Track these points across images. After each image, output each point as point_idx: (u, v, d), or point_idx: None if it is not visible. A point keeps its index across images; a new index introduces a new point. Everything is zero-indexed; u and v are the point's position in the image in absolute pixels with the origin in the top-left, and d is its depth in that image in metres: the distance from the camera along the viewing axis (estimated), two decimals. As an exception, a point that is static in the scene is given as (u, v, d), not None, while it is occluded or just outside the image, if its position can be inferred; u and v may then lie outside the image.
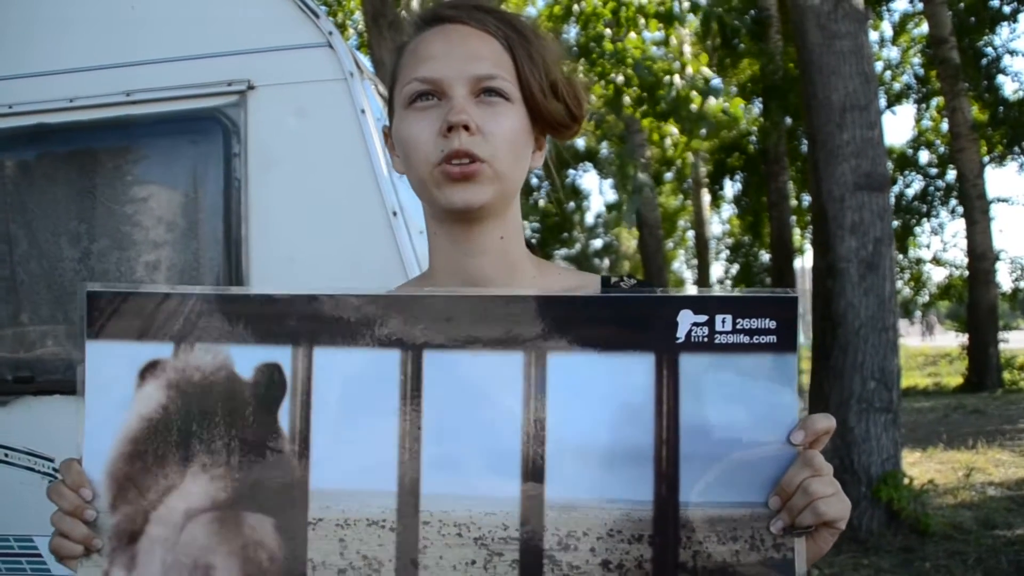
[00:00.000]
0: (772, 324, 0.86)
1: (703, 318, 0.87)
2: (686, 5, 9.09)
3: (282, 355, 0.90)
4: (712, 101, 9.55)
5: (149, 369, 0.92)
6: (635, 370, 0.87)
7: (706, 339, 0.87)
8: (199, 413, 0.91)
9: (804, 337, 9.25)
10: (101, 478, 0.92)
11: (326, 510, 0.89)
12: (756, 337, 0.86)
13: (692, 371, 0.87)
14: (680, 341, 0.87)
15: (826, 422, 0.87)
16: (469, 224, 1.06)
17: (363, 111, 1.99)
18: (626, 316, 0.88)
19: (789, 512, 0.85)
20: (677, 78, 8.57)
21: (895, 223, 15.39)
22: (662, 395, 0.87)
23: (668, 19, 8.03)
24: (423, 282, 1.15)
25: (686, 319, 0.87)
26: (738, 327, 0.87)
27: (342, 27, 11.29)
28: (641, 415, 0.87)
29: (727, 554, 0.86)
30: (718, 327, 0.87)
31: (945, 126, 16.12)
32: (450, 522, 0.88)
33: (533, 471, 0.88)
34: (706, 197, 22.04)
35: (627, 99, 9.39)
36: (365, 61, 4.68)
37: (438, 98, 1.03)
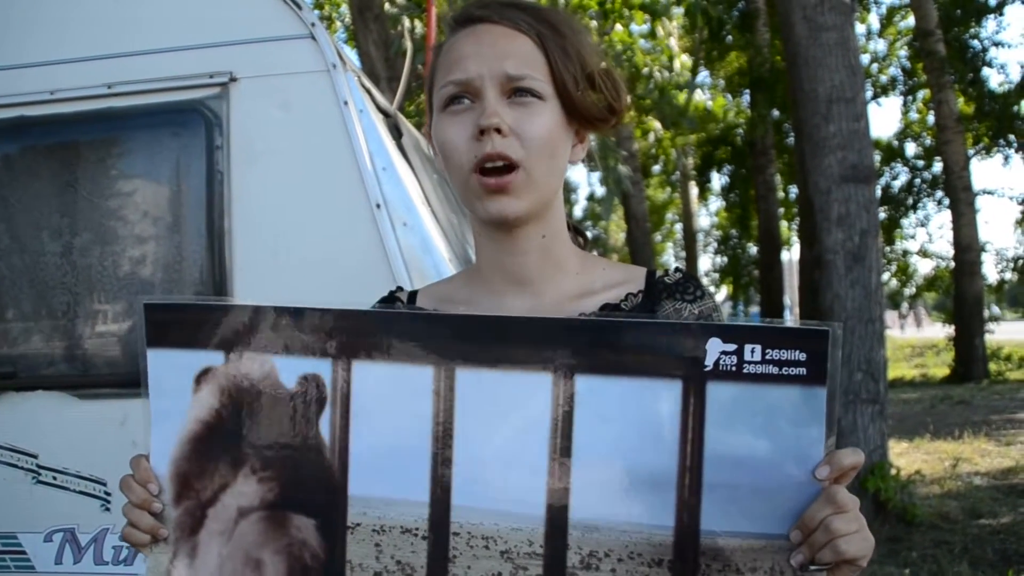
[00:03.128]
0: (802, 356, 0.84)
1: (732, 347, 0.86)
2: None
3: (323, 367, 0.94)
4: (696, 96, 9.52)
5: (203, 375, 0.97)
6: (662, 396, 0.87)
7: (734, 368, 0.86)
8: (247, 418, 0.96)
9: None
10: (166, 474, 0.98)
11: (363, 516, 0.93)
12: (785, 368, 0.85)
13: (719, 400, 0.86)
14: (708, 369, 0.86)
15: (853, 458, 0.84)
16: (510, 229, 1.07)
17: (346, 103, 1.98)
18: (654, 342, 0.87)
19: (810, 547, 0.84)
20: (657, 72, 8.55)
21: (881, 215, 15.46)
22: (688, 422, 0.87)
23: (653, 11, 8.01)
24: (471, 278, 1.17)
25: (715, 347, 0.86)
26: (767, 358, 0.85)
27: (329, 20, 11.24)
28: (666, 441, 0.87)
29: None
30: (747, 357, 0.85)
31: (931, 118, 16.22)
32: (478, 534, 0.90)
33: (559, 490, 0.89)
34: (694, 190, 22.11)
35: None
36: (350, 53, 4.65)
37: (471, 100, 1.03)
